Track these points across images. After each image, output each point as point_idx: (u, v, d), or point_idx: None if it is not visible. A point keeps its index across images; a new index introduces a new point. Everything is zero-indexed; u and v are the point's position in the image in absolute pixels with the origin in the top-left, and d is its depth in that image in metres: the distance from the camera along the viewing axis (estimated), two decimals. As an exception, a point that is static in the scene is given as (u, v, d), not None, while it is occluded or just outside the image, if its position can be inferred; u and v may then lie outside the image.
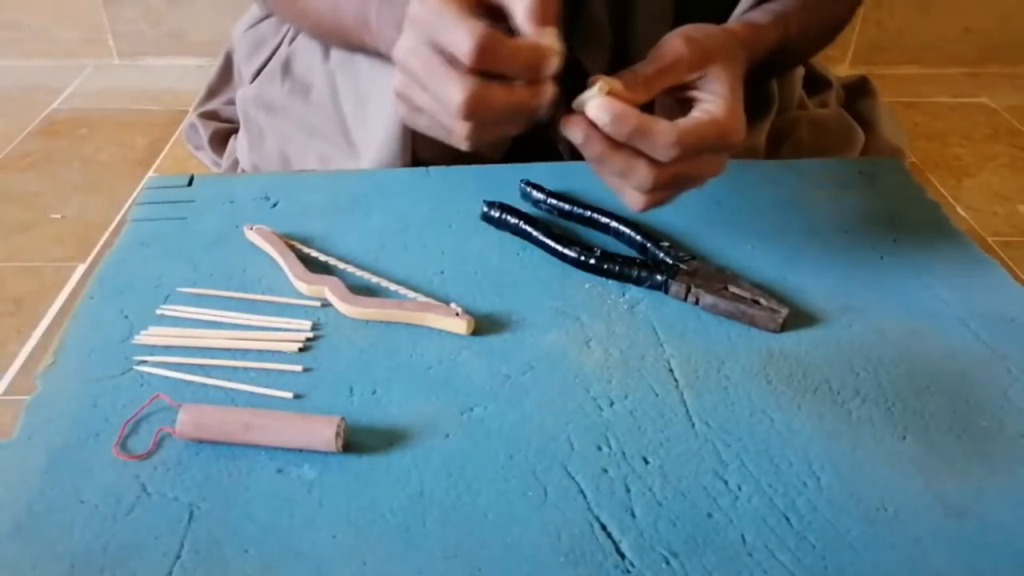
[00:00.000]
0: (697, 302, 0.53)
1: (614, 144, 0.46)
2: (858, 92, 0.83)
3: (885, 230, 0.60)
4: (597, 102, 0.45)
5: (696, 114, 0.48)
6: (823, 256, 0.58)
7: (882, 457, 0.43)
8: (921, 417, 0.46)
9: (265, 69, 0.80)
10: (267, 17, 0.82)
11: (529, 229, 0.58)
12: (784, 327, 0.51)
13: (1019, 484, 0.42)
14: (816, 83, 0.81)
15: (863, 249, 0.59)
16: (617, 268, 0.54)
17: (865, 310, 0.53)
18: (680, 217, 0.61)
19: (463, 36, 0.41)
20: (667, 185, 0.48)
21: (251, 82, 0.81)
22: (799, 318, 0.52)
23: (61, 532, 0.39)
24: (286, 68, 0.77)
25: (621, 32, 0.69)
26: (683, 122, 0.46)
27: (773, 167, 0.68)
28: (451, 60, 0.42)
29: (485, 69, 0.42)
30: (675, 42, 0.49)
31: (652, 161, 0.46)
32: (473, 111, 0.42)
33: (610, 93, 0.45)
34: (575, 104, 0.46)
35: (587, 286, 0.54)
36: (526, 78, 0.43)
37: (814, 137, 0.74)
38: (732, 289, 0.52)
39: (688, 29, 0.50)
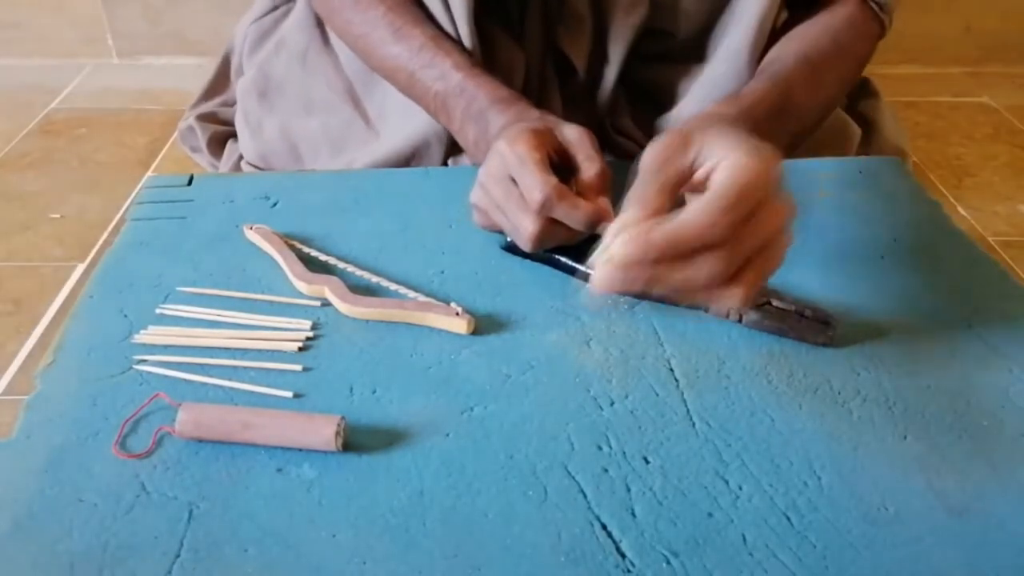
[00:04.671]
0: (740, 319, 0.51)
1: (661, 268, 0.43)
2: (860, 92, 0.83)
3: (886, 230, 0.60)
4: (615, 251, 0.42)
5: (716, 178, 0.43)
6: (823, 256, 0.57)
7: (883, 457, 0.43)
8: (922, 417, 0.46)
9: (263, 49, 0.81)
10: (273, 10, 0.83)
11: (559, 256, 0.55)
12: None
13: (1020, 484, 0.42)
14: None
15: (863, 249, 0.58)
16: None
17: (865, 310, 0.53)
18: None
19: (537, 186, 0.50)
20: (747, 269, 0.44)
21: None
22: (800, 318, 0.52)
23: (60, 531, 0.39)
24: (281, 43, 0.79)
25: (599, 20, 0.70)
26: (706, 197, 0.42)
27: (773, 166, 0.68)
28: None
29: (549, 215, 0.50)
30: (652, 146, 0.45)
31: (711, 251, 0.42)
32: (538, 243, 0.52)
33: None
34: (589, 262, 0.45)
35: (587, 286, 0.54)
36: (582, 228, 0.51)
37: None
38: (775, 303, 0.50)
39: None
